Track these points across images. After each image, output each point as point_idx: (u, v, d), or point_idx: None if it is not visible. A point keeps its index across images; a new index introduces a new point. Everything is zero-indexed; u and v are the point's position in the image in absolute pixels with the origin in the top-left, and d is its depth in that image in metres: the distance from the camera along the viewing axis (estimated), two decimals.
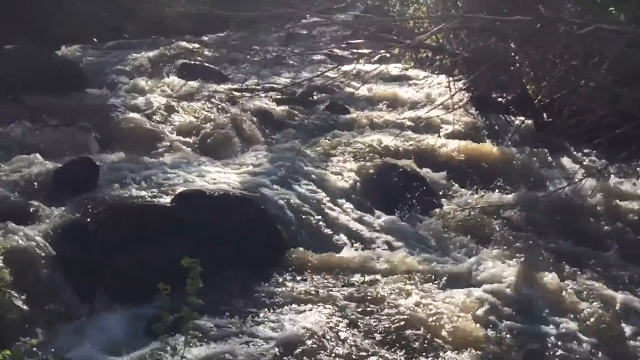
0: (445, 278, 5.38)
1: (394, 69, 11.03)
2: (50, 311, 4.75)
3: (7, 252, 4.88)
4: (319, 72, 9.42)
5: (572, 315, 5.00)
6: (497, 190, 7.19)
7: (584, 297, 5.26)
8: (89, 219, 5.56)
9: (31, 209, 5.80)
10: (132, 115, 8.86)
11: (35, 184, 6.34)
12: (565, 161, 7.88)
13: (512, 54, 7.41)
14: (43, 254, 5.09)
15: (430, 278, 5.36)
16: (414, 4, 12.20)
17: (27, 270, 4.90)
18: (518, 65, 7.84)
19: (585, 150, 7.92)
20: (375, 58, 8.01)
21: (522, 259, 5.81)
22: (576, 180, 6.17)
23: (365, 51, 9.82)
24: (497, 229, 6.46)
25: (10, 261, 4.83)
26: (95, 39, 14.31)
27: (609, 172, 7.20)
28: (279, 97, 10.22)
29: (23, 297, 4.69)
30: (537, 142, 8.47)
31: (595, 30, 5.42)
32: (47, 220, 5.64)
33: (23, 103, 9.16)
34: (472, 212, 6.53)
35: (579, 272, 5.71)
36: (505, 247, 6.08)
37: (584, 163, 7.88)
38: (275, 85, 10.90)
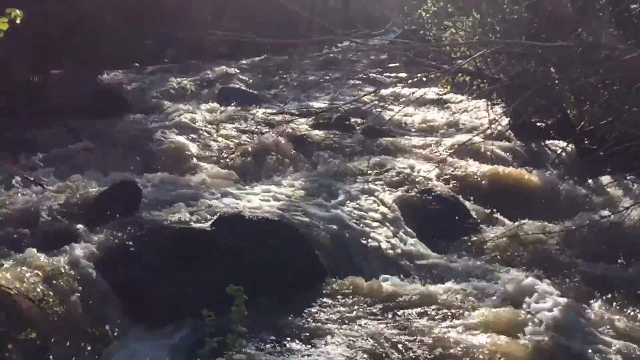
0: (485, 307, 5.27)
1: (431, 93, 11.01)
2: (92, 333, 4.79)
3: (52, 273, 4.97)
4: (357, 97, 9.47)
5: (617, 347, 4.83)
6: (538, 218, 7.03)
7: (630, 329, 5.09)
8: (131, 242, 5.64)
9: (76, 231, 5.92)
10: (173, 139, 9.04)
11: (80, 206, 6.48)
12: (610, 189, 7.68)
13: (554, 79, 7.32)
14: (86, 276, 5.16)
15: (471, 307, 5.26)
16: (451, 28, 12.19)
17: (70, 292, 4.97)
18: (558, 89, 7.75)
19: (631, 178, 7.71)
20: (411, 81, 8.01)
21: (565, 289, 5.67)
22: (621, 209, 6.01)
23: (402, 75, 9.85)
24: (539, 258, 6.31)
25: (55, 282, 4.91)
26: (136, 64, 14.69)
27: None
28: (316, 121, 10.28)
29: (66, 318, 4.75)
30: (580, 169, 8.29)
31: None
32: (91, 243, 5.74)
33: (68, 127, 9.44)
34: (512, 240, 6.42)
35: (624, 303, 5.53)
36: (547, 277, 5.93)
37: (630, 191, 7.67)
38: (312, 110, 10.98)
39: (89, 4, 12.42)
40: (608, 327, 5.08)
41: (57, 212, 6.29)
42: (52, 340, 4.54)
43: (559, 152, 9.04)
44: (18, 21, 3.07)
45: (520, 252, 6.34)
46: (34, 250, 5.24)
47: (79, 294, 5.00)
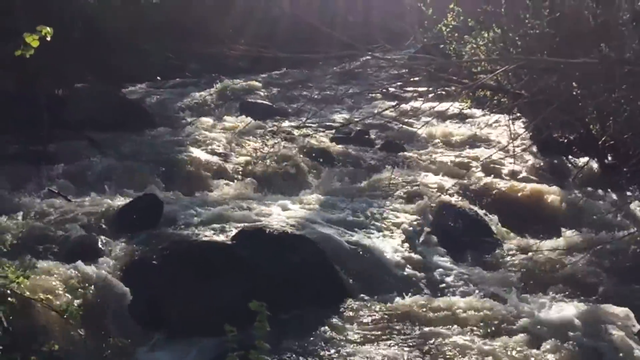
0: (508, 326, 5.21)
1: (451, 107, 10.97)
2: (114, 345, 4.82)
3: (76, 285, 5.02)
4: (376, 111, 9.49)
5: None
6: (560, 234, 6.96)
7: None
8: (152, 256, 5.68)
9: (98, 244, 6.00)
10: (194, 152, 9.12)
11: (103, 218, 6.56)
12: (634, 205, 7.58)
13: (576, 94, 7.27)
14: (108, 288, 5.20)
15: (493, 326, 5.20)
16: (471, 43, 12.15)
17: (93, 304, 5.02)
18: (581, 105, 7.69)
19: None
20: (431, 96, 8.01)
21: (588, 307, 5.57)
22: None
23: (422, 89, 9.85)
24: (561, 275, 6.22)
25: (78, 294, 4.96)
26: (159, 78, 14.88)
27: None
28: (336, 135, 10.31)
29: (89, 329, 4.79)
30: (603, 185, 8.19)
31: None
32: (113, 256, 5.81)
33: (91, 139, 9.57)
34: (535, 257, 6.36)
35: None
36: (569, 295, 5.86)
37: None
38: (332, 124, 11.01)
39: (113, 19, 12.66)
40: (630, 346, 4.99)
41: (80, 225, 6.36)
42: (75, 352, 4.58)
43: (581, 167, 8.95)
44: (49, 38, 3.15)
45: (542, 269, 6.27)
46: (58, 262, 5.31)
47: (101, 306, 5.04)
